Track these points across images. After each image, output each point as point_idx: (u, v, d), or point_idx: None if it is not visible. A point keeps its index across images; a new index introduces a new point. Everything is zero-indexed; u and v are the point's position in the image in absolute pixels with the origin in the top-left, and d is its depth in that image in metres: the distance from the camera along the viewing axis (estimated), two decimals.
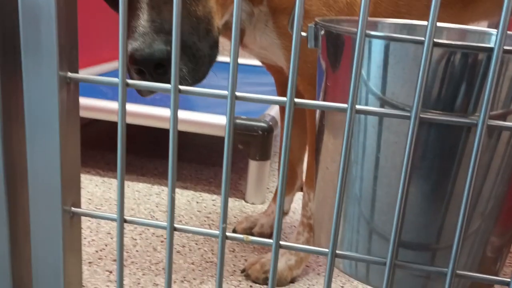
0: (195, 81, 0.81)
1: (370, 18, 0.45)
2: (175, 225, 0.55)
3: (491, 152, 0.52)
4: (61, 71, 0.52)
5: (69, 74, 0.54)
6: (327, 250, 0.53)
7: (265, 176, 1.60)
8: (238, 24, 0.47)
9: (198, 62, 0.79)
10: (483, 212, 0.54)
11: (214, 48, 0.84)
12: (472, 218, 0.54)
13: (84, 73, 2.00)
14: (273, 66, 1.15)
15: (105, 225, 1.34)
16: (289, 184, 1.40)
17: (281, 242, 0.56)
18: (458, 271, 0.50)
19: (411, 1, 1.01)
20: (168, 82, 0.53)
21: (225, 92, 0.51)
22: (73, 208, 0.59)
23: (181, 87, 0.51)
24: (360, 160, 0.56)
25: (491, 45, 0.49)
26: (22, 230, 0.61)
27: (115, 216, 0.58)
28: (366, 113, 0.51)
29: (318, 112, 0.65)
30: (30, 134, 0.55)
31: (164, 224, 0.56)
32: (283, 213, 1.38)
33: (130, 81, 0.52)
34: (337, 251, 0.53)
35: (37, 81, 0.53)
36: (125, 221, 0.58)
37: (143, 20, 0.75)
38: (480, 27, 0.70)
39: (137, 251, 1.23)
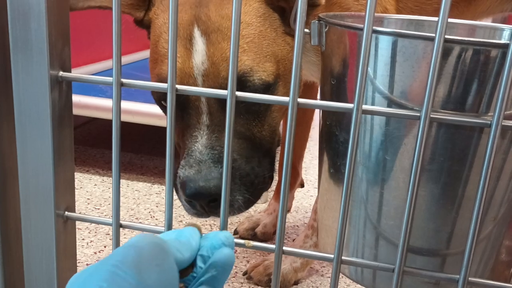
0: (248, 207, 0.72)
1: (375, 14, 0.42)
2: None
3: (504, 153, 0.50)
4: (52, 70, 0.50)
5: (61, 73, 0.51)
6: (332, 256, 0.50)
7: None
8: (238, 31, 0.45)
9: (256, 190, 0.71)
10: (495, 216, 0.52)
11: (271, 169, 0.75)
12: (484, 222, 0.52)
13: (84, 71, 1.97)
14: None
15: (104, 225, 1.31)
16: (290, 181, 1.37)
17: (284, 248, 0.53)
18: (470, 278, 0.48)
19: (423, 6, 1.00)
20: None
21: (224, 92, 0.48)
22: (66, 213, 0.57)
23: None
24: (366, 162, 0.54)
25: (504, 41, 0.47)
26: (14, 235, 0.59)
27: (110, 221, 0.55)
28: (373, 113, 0.49)
29: (321, 111, 0.62)
30: (21, 135, 0.53)
31: (162, 229, 0.53)
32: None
33: (124, 81, 0.49)
34: (343, 257, 0.50)
35: (28, 80, 0.50)
36: (121, 226, 0.56)
37: (200, 144, 0.66)
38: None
39: None
